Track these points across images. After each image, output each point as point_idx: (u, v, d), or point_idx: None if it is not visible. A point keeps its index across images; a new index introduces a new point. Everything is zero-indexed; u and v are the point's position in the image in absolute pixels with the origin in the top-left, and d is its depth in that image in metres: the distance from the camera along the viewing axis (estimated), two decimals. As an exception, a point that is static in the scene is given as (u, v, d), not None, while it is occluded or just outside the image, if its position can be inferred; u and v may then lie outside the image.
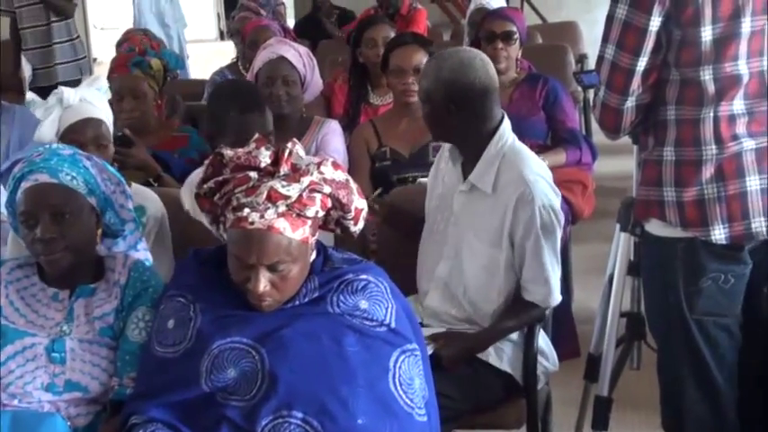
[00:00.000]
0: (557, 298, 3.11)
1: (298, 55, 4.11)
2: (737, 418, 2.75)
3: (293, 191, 2.24)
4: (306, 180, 2.26)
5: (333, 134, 4.21)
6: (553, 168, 4.48)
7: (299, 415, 2.19)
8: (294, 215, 2.25)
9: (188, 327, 2.33)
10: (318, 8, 8.57)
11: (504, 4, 5.82)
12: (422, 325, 3.11)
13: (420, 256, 3.31)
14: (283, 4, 7.64)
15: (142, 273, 2.56)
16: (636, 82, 2.58)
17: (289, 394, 2.21)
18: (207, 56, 12.27)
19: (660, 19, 2.52)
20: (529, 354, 3.07)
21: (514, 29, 4.69)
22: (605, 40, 2.60)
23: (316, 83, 4.24)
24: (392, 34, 4.89)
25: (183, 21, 9.95)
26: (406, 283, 3.28)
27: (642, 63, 2.56)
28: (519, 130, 4.54)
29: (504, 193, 3.04)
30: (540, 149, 4.47)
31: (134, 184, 3.15)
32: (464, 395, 2.98)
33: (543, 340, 3.21)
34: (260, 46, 4.41)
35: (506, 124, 3.15)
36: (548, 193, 3.06)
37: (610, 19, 2.58)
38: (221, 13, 17.30)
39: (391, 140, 4.19)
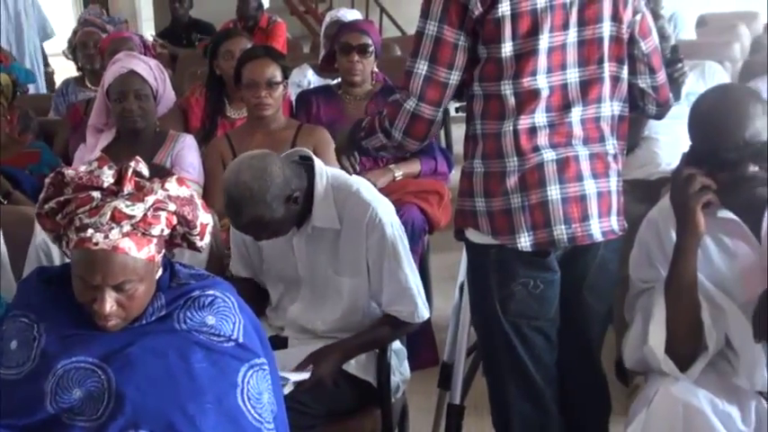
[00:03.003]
0: (423, 314, 3.13)
1: (148, 68, 4.09)
2: (561, 415, 2.87)
3: (137, 210, 2.22)
4: (150, 199, 2.24)
5: (188, 148, 4.20)
6: (408, 178, 4.59)
7: (146, 433, 2.18)
8: (139, 234, 2.23)
9: (32, 347, 2.28)
10: (178, 21, 8.49)
11: (360, 17, 5.85)
12: (277, 339, 3.13)
13: (272, 297, 3.32)
14: (126, 21, 7.56)
15: (-19, 293, 2.50)
16: (449, 94, 2.69)
17: (135, 413, 2.19)
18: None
19: (468, 36, 2.63)
20: (382, 363, 3.11)
21: (369, 42, 4.71)
22: (415, 55, 2.67)
23: (168, 96, 4.23)
24: (249, 47, 4.88)
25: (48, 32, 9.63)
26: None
27: (455, 77, 2.66)
28: (374, 142, 4.59)
29: (352, 222, 3.07)
30: (395, 160, 4.54)
31: None
32: (319, 403, 2.99)
33: (397, 349, 3.25)
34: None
35: (317, 163, 3.12)
36: (389, 210, 3.13)
37: (419, 35, 2.66)
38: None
39: (246, 153, 4.19)
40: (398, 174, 4.54)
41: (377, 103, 4.63)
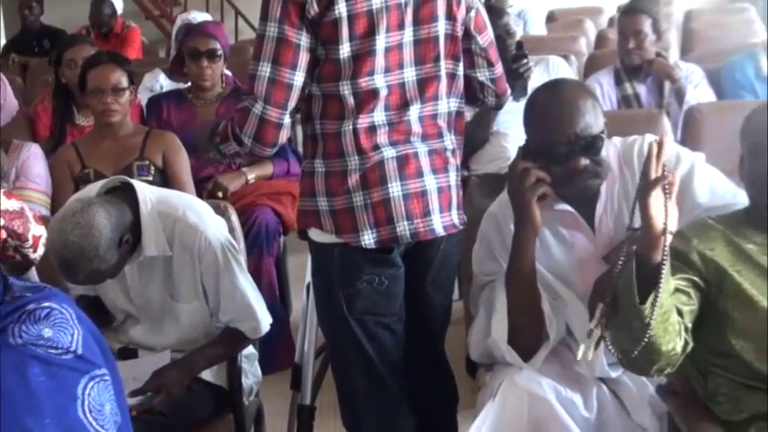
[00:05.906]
0: (263, 328, 3.10)
1: (-15, 79, 4.00)
2: (411, 410, 2.89)
3: None
4: None
5: (34, 158, 4.12)
6: (261, 180, 4.59)
7: (-19, 454, 2.12)
8: None
9: None
10: (28, 28, 8.29)
11: (210, 19, 5.78)
12: (126, 350, 3.10)
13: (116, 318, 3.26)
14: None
15: None
16: (295, 96, 2.65)
17: None
18: None
19: (309, 36, 2.62)
20: (233, 368, 3.09)
21: (218, 46, 4.69)
22: (257, 58, 2.63)
23: (10, 105, 4.15)
24: (93, 53, 4.79)
25: None
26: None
27: (300, 77, 2.63)
28: (225, 146, 4.57)
29: (183, 248, 3.01)
30: (248, 162, 4.53)
31: None
32: (177, 411, 2.96)
33: (248, 353, 3.25)
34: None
35: (139, 187, 2.99)
36: (219, 228, 3.08)
37: (261, 37, 2.63)
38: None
39: (94, 161, 4.13)
40: (251, 176, 4.54)
41: (227, 106, 4.60)
